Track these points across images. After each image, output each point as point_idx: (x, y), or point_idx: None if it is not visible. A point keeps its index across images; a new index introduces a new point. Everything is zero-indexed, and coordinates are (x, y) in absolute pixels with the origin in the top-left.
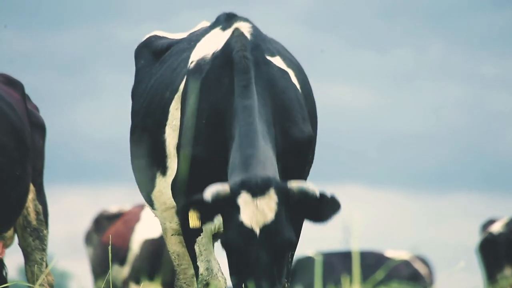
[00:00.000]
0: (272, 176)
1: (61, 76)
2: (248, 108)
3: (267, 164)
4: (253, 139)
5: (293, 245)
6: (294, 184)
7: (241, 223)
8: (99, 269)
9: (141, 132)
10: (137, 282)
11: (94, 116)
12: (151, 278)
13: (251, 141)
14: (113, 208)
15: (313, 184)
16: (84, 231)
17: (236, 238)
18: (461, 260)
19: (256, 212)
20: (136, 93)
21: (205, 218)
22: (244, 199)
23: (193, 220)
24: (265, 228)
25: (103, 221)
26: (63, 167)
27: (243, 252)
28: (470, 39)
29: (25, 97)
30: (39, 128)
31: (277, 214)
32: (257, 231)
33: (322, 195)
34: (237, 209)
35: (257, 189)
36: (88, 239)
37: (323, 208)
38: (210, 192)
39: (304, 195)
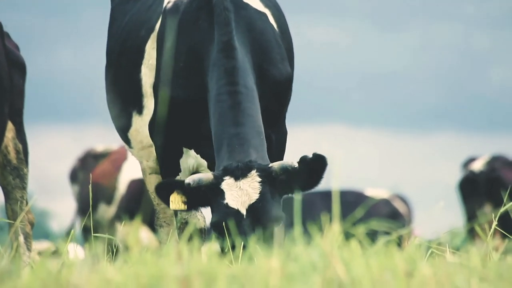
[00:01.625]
0: (253, 160)
1: (43, 16)
2: (230, 72)
3: (254, 141)
4: (237, 114)
5: (281, 221)
6: (275, 164)
7: (227, 205)
8: (85, 208)
9: (116, 70)
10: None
11: (76, 54)
12: (134, 217)
13: (235, 117)
14: (99, 147)
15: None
16: (68, 170)
17: (224, 220)
18: (441, 198)
19: (240, 193)
20: (111, 31)
21: (190, 204)
22: (227, 183)
23: (177, 203)
24: (251, 208)
25: (89, 160)
26: (45, 106)
27: (232, 234)
28: None
29: (3, 36)
30: (19, 67)
31: (262, 193)
32: (244, 211)
33: (304, 161)
34: (221, 193)
35: (239, 173)
36: (74, 177)
37: (312, 172)
38: (192, 178)
39: (286, 171)
